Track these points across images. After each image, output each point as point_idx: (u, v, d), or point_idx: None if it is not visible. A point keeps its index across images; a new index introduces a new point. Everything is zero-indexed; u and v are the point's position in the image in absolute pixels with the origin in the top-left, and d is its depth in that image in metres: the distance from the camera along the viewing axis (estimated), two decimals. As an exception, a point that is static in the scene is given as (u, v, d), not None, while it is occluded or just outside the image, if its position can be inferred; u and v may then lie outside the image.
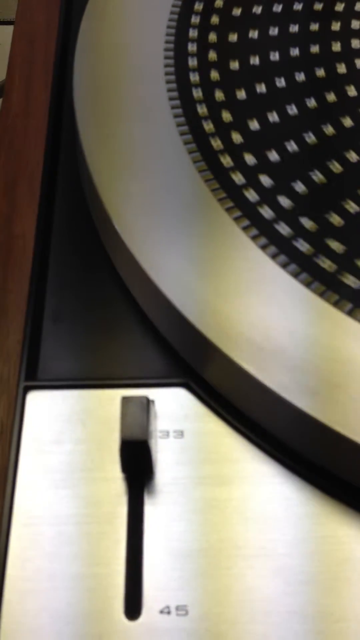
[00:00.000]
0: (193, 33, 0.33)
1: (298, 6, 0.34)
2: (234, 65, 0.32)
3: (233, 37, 0.33)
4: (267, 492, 0.23)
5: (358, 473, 0.23)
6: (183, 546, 0.22)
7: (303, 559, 0.22)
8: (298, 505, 0.23)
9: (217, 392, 0.25)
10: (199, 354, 0.25)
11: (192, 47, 0.32)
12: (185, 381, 0.25)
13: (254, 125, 0.29)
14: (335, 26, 0.32)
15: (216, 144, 0.29)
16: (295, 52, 0.32)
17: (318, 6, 0.34)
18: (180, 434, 0.24)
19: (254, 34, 0.33)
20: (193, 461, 0.23)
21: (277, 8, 0.34)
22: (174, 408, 0.24)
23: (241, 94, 0.30)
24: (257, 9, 0.34)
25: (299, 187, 0.27)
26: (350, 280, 0.25)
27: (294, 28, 0.33)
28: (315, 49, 0.32)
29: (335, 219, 0.26)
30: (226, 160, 0.28)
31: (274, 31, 0.32)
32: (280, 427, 0.24)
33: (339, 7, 0.33)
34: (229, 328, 0.24)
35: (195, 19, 0.34)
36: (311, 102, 0.30)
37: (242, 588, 0.21)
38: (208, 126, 0.29)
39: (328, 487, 0.23)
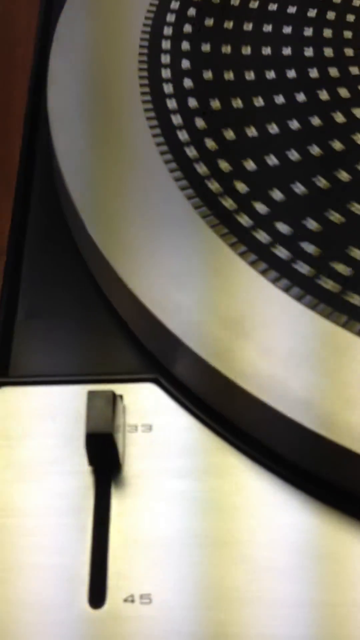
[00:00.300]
0: (168, 31, 0.34)
1: (288, 29, 0.34)
2: (208, 76, 0.32)
3: (206, 48, 0.33)
4: (234, 484, 0.23)
5: (329, 467, 0.23)
6: (148, 537, 0.22)
7: (266, 547, 0.22)
8: (263, 495, 0.23)
9: (187, 387, 0.25)
10: (170, 353, 0.25)
11: (166, 45, 0.33)
12: (154, 376, 0.25)
13: (238, 141, 0.30)
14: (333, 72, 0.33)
15: (191, 151, 0.29)
16: (279, 73, 0.32)
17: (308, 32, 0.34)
18: (149, 428, 0.24)
19: (233, 49, 0.33)
20: (160, 454, 0.24)
21: (268, 28, 0.34)
22: (143, 403, 0.25)
23: (220, 107, 0.31)
24: (247, 26, 0.34)
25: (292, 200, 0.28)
26: (356, 299, 0.25)
27: (287, 50, 0.33)
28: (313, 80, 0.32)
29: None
30: (215, 187, 0.28)
31: (267, 50, 0.33)
32: (250, 422, 0.24)
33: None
34: (219, 342, 0.24)
35: (169, 23, 0.34)
36: (294, 124, 0.30)
37: (205, 576, 0.22)
38: (183, 136, 0.30)
39: (293, 477, 0.23)
